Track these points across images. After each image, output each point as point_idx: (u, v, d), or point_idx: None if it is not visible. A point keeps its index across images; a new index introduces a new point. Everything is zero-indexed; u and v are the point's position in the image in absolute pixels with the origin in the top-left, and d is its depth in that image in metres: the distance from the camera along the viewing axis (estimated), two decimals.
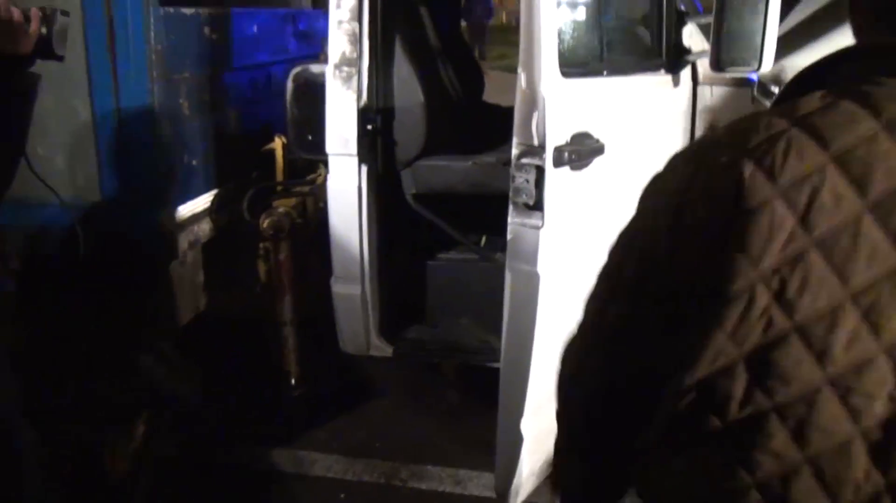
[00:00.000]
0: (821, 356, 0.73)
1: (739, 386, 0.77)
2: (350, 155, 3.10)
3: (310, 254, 3.38)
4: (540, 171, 2.05)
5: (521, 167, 2.08)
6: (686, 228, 0.80)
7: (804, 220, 0.73)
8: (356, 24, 3.02)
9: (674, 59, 2.72)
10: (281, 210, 3.22)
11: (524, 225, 2.12)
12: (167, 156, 3.06)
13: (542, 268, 2.13)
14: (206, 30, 3.29)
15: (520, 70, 2.07)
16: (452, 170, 3.31)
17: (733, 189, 0.76)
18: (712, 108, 2.92)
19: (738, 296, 0.75)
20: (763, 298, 0.75)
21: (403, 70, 3.20)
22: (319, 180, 3.51)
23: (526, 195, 2.08)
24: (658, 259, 0.83)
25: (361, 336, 3.31)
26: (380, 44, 3.09)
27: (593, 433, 1.02)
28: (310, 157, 3.55)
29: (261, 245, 3.31)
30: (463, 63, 4.12)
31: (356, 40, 3.03)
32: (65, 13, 1.93)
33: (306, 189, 3.45)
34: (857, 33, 0.89)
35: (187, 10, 3.12)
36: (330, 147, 3.12)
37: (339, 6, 3.01)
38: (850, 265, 0.72)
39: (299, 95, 3.48)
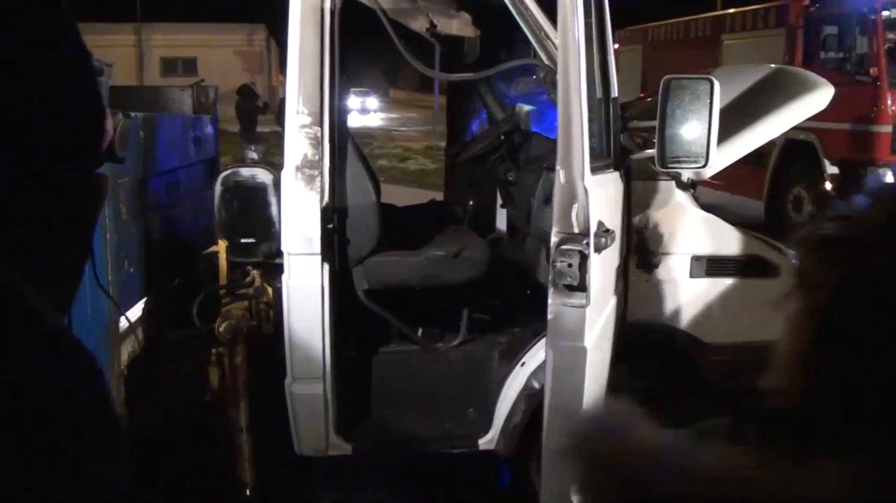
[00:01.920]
0: None
1: None
2: (313, 254, 3.14)
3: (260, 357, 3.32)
4: (583, 255, 2.31)
5: (564, 253, 2.33)
6: None
7: None
8: (318, 129, 3.12)
9: (619, 158, 3.14)
10: (238, 313, 3.16)
11: (566, 304, 2.35)
12: (113, 262, 2.94)
13: (588, 342, 2.36)
14: (141, 133, 3.22)
15: (558, 167, 2.34)
16: (404, 264, 3.46)
17: None
18: (640, 199, 3.38)
19: None
20: None
21: (355, 168, 3.34)
22: (257, 282, 3.48)
23: (570, 277, 2.32)
24: None
25: (321, 437, 3.29)
26: (337, 144, 3.21)
27: None
28: (242, 261, 3.53)
29: (213, 351, 3.20)
30: None
31: (318, 143, 3.13)
32: (126, 115, 1.91)
33: (251, 291, 3.41)
34: None
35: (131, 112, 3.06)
36: (291, 247, 3.14)
37: (299, 112, 3.11)
38: None
39: (229, 198, 3.48)
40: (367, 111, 34.93)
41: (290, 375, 3.25)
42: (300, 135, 3.11)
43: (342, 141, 3.25)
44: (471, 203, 4.72)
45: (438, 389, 3.61)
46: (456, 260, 3.47)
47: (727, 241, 3.46)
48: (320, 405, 3.24)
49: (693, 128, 2.83)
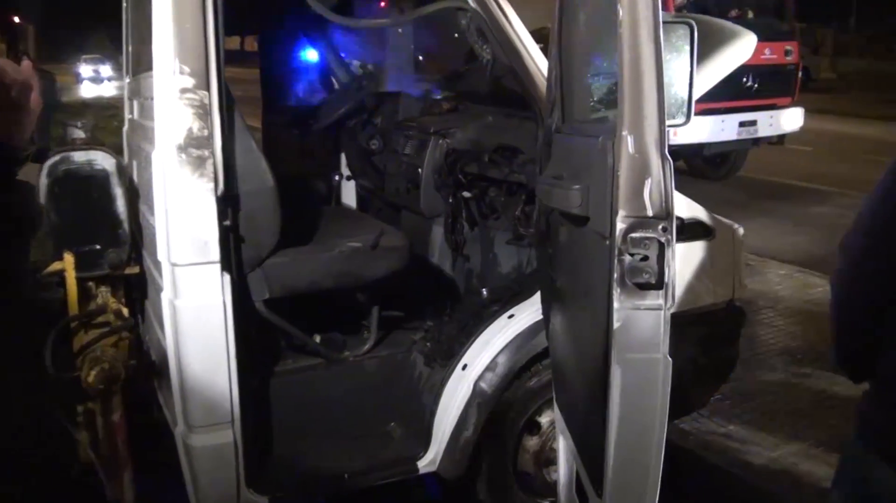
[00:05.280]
0: None
1: None
2: (210, 262, 2.39)
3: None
4: (661, 245, 1.86)
5: (637, 242, 1.86)
6: None
7: None
8: (205, 94, 2.35)
9: None
10: (111, 352, 2.33)
11: (639, 307, 1.89)
12: None
13: (667, 350, 1.92)
14: None
15: (624, 133, 1.84)
16: (314, 263, 2.80)
17: None
18: None
19: None
20: None
21: (246, 145, 2.59)
22: (112, 305, 2.62)
23: (646, 273, 1.86)
24: None
25: (231, 497, 2.57)
26: (226, 115, 2.45)
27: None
28: (85, 276, 2.65)
29: (80, 408, 2.33)
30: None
31: (206, 113, 2.35)
32: None
33: (111, 318, 2.54)
34: None
35: None
36: (178, 255, 2.36)
37: (180, 70, 2.31)
38: None
39: (60, 194, 2.60)
40: (101, 80, 31.25)
41: (182, 424, 2.48)
42: (181, 102, 2.32)
43: (230, 109, 2.50)
44: (337, 178, 4.08)
45: (356, 409, 3.00)
46: (375, 251, 2.87)
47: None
48: (230, 457, 2.51)
49: (669, 81, 2.48)
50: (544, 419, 3.02)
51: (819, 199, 9.19)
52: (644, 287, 1.90)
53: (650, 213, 1.89)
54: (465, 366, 2.84)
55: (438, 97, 4.04)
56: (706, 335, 3.16)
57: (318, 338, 3.04)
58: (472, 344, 2.86)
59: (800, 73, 9.77)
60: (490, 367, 2.82)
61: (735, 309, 3.35)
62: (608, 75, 2.19)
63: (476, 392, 2.80)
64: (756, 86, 9.10)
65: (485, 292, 3.25)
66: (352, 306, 3.10)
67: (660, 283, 1.90)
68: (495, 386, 2.81)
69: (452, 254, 3.57)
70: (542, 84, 2.71)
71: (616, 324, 1.92)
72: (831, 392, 4.33)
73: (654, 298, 1.92)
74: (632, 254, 1.89)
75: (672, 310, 1.93)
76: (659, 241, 1.88)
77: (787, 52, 9.41)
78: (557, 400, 2.63)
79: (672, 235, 1.90)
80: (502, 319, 2.87)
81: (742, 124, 9.16)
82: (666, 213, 1.89)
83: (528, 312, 2.85)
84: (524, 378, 2.89)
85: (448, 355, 2.92)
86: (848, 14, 30.33)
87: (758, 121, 9.24)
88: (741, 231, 3.34)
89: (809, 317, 5.46)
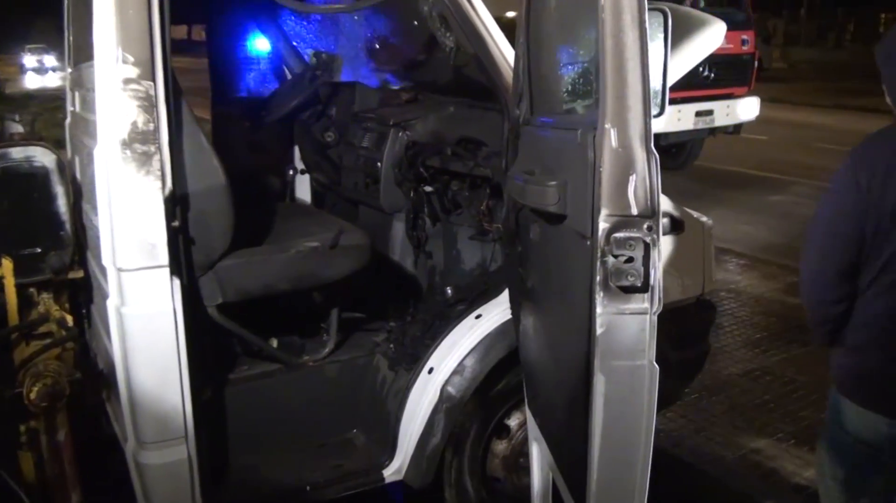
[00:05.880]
0: None
1: None
2: (159, 266, 2.24)
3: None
4: (646, 245, 1.76)
5: (620, 243, 1.74)
6: None
7: None
8: (150, 84, 2.18)
9: None
10: (54, 366, 2.16)
11: (623, 312, 1.78)
12: None
13: (653, 356, 1.82)
14: None
15: (607, 125, 1.73)
16: (270, 264, 2.65)
17: None
18: None
19: None
20: None
21: (195, 138, 2.43)
22: (56, 313, 2.45)
23: (631, 276, 1.75)
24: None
25: None
26: (173, 108, 2.29)
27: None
28: (25, 282, 2.47)
29: (22, 428, 2.16)
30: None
31: (152, 106, 2.19)
32: None
33: (54, 328, 2.37)
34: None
35: None
36: (124, 260, 2.20)
37: (123, 59, 2.14)
38: None
39: None
40: (45, 70, 30.32)
41: (132, 440, 2.33)
42: (125, 94, 2.16)
43: (177, 101, 2.34)
44: (291, 172, 3.92)
45: (317, 416, 2.88)
46: (334, 251, 2.74)
47: None
48: (184, 474, 2.36)
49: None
50: (513, 422, 2.92)
51: (775, 188, 9.26)
52: (629, 290, 1.80)
53: (635, 211, 1.79)
54: (431, 370, 2.73)
55: (397, 87, 3.92)
56: (676, 332, 3.08)
57: (275, 343, 2.90)
58: (438, 346, 2.75)
59: (756, 63, 9.81)
60: (458, 371, 2.71)
61: (705, 304, 3.29)
62: (582, 64, 2.08)
63: (443, 397, 2.69)
64: (713, 75, 9.12)
65: (449, 291, 3.13)
66: (310, 308, 2.96)
67: (645, 286, 1.80)
68: (463, 390, 2.70)
69: (414, 251, 3.45)
70: (508, 73, 2.60)
71: (599, 330, 1.81)
72: (799, 383, 4.32)
73: (640, 302, 1.82)
74: (615, 256, 1.79)
75: (657, 313, 1.84)
76: (644, 242, 1.78)
77: (743, 42, 9.44)
78: (530, 405, 2.53)
79: (658, 235, 1.80)
80: (469, 320, 2.76)
81: (699, 114, 9.16)
82: (651, 211, 1.79)
83: (496, 312, 2.74)
84: (493, 380, 2.78)
85: (413, 358, 2.81)
86: (799, 4, 30.80)
87: (714, 110, 9.25)
88: (710, 223, 3.28)
89: (771, 306, 5.45)
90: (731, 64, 9.28)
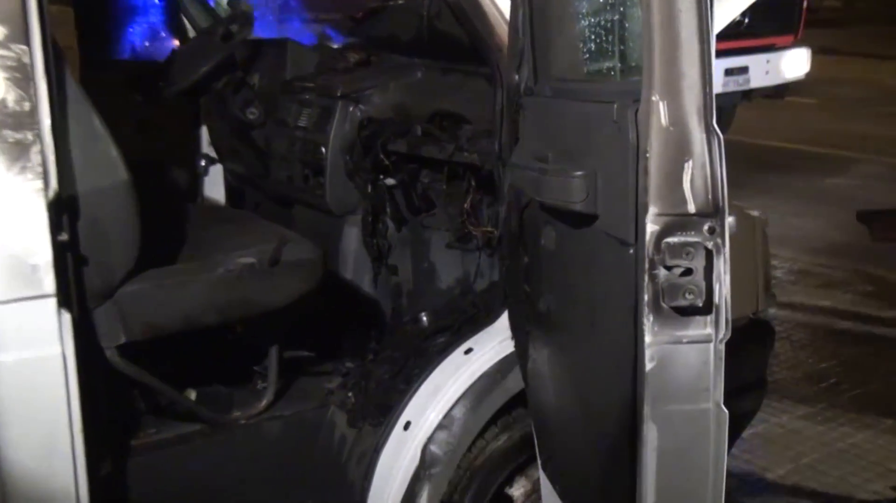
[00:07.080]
0: None
1: None
2: (42, 297, 2.24)
3: None
4: (708, 252, 1.80)
5: (674, 250, 1.79)
6: None
7: None
8: (24, 49, 2.19)
9: None
10: None
11: (681, 340, 1.82)
12: None
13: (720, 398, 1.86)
14: None
15: (654, 98, 1.77)
16: (189, 289, 2.67)
17: None
18: None
19: None
20: None
21: (86, 121, 2.45)
22: None
23: (689, 293, 1.79)
24: None
25: None
26: (55, 81, 2.31)
27: None
28: None
29: None
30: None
31: (28, 79, 2.20)
32: None
33: None
34: None
35: None
36: None
37: None
38: None
39: None
40: None
41: None
42: None
43: (60, 71, 2.35)
44: (203, 163, 3.95)
45: (253, 491, 2.91)
46: (275, 268, 2.77)
47: None
48: None
49: None
50: (517, 491, 2.98)
51: (833, 168, 9.47)
52: (687, 312, 1.86)
53: (692, 208, 1.85)
54: (407, 425, 2.77)
55: (342, 45, 3.97)
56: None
57: (193, 395, 2.92)
58: (415, 393, 2.79)
59: (805, 2, 9.96)
60: (443, 425, 2.75)
61: (761, 324, 3.39)
62: (615, 13, 2.15)
63: (425, 460, 2.74)
64: (747, 20, 9.21)
65: (424, 318, 3.19)
66: (241, 347, 2.99)
67: (708, 306, 1.86)
68: (452, 450, 2.75)
69: (373, 265, 3.50)
70: (501, 27, 2.66)
71: (648, 365, 1.87)
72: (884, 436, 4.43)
73: (701, 327, 1.88)
74: (669, 268, 1.84)
75: (724, 342, 1.90)
76: (706, 248, 1.84)
77: None
78: (544, 468, 2.59)
79: (723, 238, 1.86)
80: (456, 356, 2.81)
81: (729, 72, 9.29)
82: (714, 207, 1.85)
83: (492, 345, 2.80)
84: (490, 435, 2.84)
85: (381, 410, 2.86)
86: None
87: (750, 67, 9.39)
88: (764, 218, 3.37)
89: (838, 325, 5.58)
90: (772, 5, 9.42)
